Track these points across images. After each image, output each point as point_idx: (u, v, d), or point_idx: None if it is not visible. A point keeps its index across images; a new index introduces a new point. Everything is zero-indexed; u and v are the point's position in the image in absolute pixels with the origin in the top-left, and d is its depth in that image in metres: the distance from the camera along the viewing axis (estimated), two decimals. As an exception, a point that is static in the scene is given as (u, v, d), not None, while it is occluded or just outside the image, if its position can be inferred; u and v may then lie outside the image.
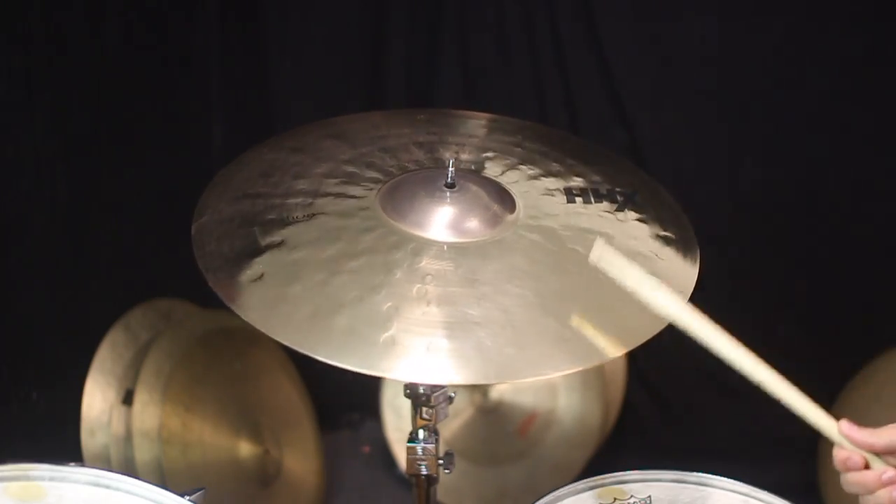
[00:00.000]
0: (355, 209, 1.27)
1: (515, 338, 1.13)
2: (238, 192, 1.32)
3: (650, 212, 1.35)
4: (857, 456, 1.02)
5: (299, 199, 1.29)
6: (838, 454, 1.04)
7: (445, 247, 1.23)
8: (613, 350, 1.17)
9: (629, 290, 1.10)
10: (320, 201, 1.29)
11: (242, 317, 1.15)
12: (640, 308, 1.20)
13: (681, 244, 1.32)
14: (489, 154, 1.41)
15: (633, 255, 1.25)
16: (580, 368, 1.14)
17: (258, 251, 1.21)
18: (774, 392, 1.07)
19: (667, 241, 1.31)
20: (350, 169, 1.35)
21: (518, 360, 1.13)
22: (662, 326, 1.18)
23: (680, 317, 1.10)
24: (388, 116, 1.63)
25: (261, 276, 1.19)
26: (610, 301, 1.20)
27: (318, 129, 1.48)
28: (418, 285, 1.16)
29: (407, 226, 1.25)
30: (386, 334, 1.12)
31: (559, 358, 1.14)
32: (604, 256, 1.12)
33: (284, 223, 1.25)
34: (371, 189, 1.31)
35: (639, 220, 1.33)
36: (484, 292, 1.17)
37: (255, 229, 1.25)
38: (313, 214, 1.26)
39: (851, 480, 1.03)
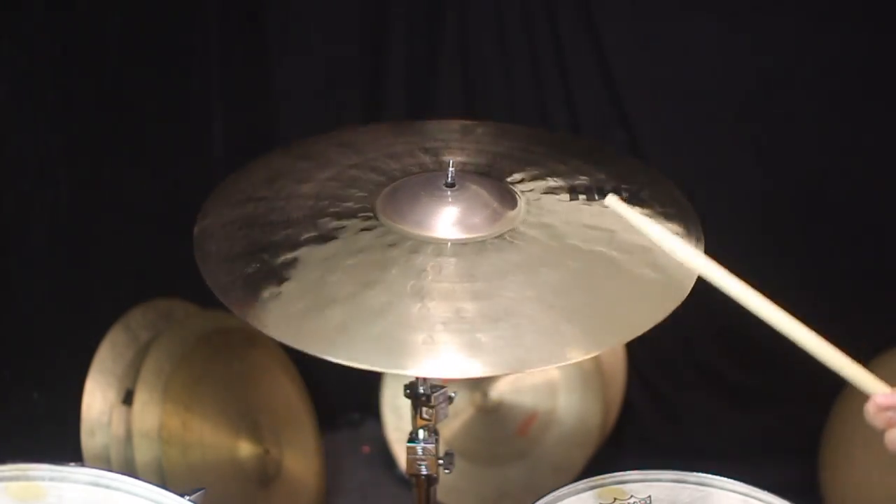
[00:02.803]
0: (357, 209, 1.29)
1: (509, 331, 1.13)
2: (241, 195, 1.34)
3: (656, 206, 1.35)
4: None
5: (301, 201, 1.30)
6: (881, 402, 1.03)
7: (449, 244, 1.23)
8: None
9: (641, 232, 1.16)
10: (322, 203, 1.30)
11: (236, 314, 1.16)
12: (637, 302, 1.21)
13: (687, 235, 1.31)
14: (494, 156, 1.42)
15: (636, 248, 1.25)
16: (572, 361, 1.15)
17: (257, 250, 1.22)
18: (798, 340, 1.08)
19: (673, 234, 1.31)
20: (354, 173, 1.36)
21: (510, 353, 1.12)
22: (660, 319, 1.18)
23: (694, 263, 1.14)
24: (399, 126, 1.66)
25: (257, 272, 1.20)
26: (607, 296, 1.21)
27: (328, 138, 1.51)
28: (413, 281, 1.17)
29: (405, 224, 1.25)
30: (379, 329, 1.12)
31: (552, 352, 1.14)
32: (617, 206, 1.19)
33: (285, 223, 1.26)
34: (373, 190, 1.32)
35: (644, 214, 1.32)
36: (480, 287, 1.17)
37: (255, 230, 1.26)
38: (313, 213, 1.27)
39: None
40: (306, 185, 1.35)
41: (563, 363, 1.17)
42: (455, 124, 1.58)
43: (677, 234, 1.27)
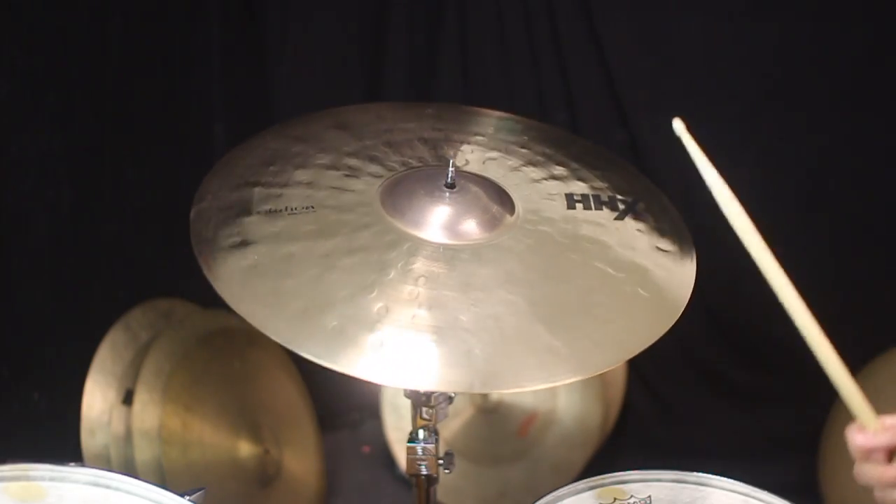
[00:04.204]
0: (354, 204, 1.27)
1: (504, 346, 1.12)
2: (239, 179, 1.31)
3: (650, 221, 1.34)
4: (883, 450, 0.98)
5: (299, 191, 1.28)
6: (860, 443, 0.99)
7: (441, 248, 1.22)
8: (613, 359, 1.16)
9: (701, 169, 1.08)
10: (320, 194, 1.28)
11: (233, 307, 1.14)
12: (635, 318, 1.20)
13: (679, 254, 1.31)
14: (493, 154, 1.40)
15: (630, 264, 1.25)
16: (566, 381, 1.13)
17: (254, 240, 1.21)
18: (807, 338, 1.04)
19: (665, 251, 1.31)
20: (352, 162, 1.34)
21: (505, 369, 1.11)
22: (658, 336, 1.17)
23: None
24: (396, 108, 1.61)
25: (255, 266, 1.18)
26: (603, 311, 1.19)
27: (325, 118, 1.47)
28: (410, 287, 1.16)
29: (405, 224, 1.24)
30: (374, 336, 1.11)
31: (546, 369, 1.12)
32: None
33: (282, 214, 1.24)
34: (372, 184, 1.30)
35: (638, 229, 1.32)
36: (476, 297, 1.16)
37: (252, 218, 1.24)
38: (311, 207, 1.25)
39: (869, 473, 0.99)
40: (303, 171, 1.32)
41: (558, 384, 1.15)
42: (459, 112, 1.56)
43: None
